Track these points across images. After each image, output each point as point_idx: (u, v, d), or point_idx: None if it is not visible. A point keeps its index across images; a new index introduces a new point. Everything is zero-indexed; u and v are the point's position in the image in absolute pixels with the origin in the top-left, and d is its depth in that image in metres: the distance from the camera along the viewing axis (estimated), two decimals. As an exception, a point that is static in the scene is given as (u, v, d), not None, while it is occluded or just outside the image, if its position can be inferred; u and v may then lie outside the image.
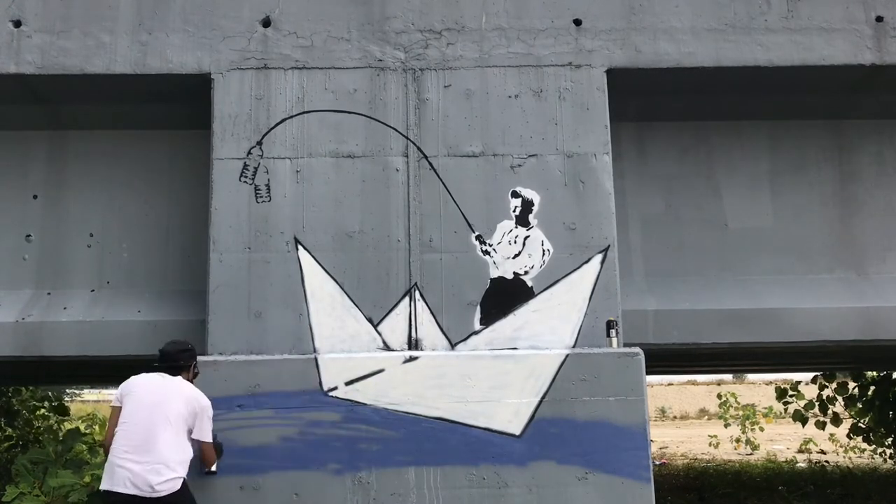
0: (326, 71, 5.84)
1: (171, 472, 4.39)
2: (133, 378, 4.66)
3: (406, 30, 5.91)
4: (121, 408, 4.56)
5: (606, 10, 5.98)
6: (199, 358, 5.37)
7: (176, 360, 4.71)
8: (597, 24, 5.95)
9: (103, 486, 4.40)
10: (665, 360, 8.32)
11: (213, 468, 5.02)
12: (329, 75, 5.83)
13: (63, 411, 13.43)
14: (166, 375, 4.66)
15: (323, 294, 5.55)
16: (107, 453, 4.54)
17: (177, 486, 4.42)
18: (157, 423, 4.43)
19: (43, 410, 13.38)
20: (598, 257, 5.64)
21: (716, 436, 17.92)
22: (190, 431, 4.56)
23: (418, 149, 5.76)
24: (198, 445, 4.64)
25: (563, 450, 5.26)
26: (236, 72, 5.83)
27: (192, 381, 4.77)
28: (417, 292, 5.58)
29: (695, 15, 6.01)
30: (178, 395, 4.54)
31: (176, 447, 4.46)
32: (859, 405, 12.13)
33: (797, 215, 6.43)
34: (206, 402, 4.63)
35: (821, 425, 12.72)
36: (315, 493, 5.20)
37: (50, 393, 13.71)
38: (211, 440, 4.68)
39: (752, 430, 17.57)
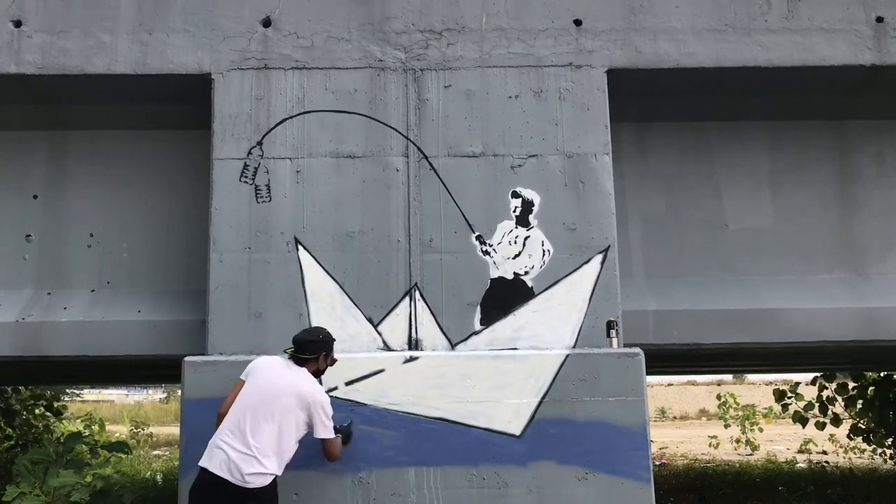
0: (327, 71, 5.84)
1: (262, 466, 4.37)
2: (264, 358, 4.71)
3: (406, 30, 5.91)
4: (243, 382, 4.58)
5: (606, 10, 5.98)
6: (199, 358, 5.39)
7: (300, 349, 4.67)
8: (597, 24, 5.96)
9: (202, 461, 4.41)
10: (665, 360, 8.33)
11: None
12: (329, 75, 5.83)
13: (56, 411, 13.43)
14: (292, 364, 4.65)
15: (323, 294, 5.55)
16: (218, 419, 4.57)
17: (266, 481, 4.39)
18: (262, 413, 4.41)
19: (41, 410, 13.38)
20: (599, 258, 5.64)
21: (716, 436, 17.92)
22: (308, 427, 4.54)
23: (418, 149, 5.76)
24: (320, 443, 4.63)
25: (563, 450, 5.26)
26: (236, 72, 5.83)
27: (323, 371, 4.75)
28: (417, 292, 5.59)
29: (695, 15, 6.02)
30: (292, 389, 4.50)
31: (276, 442, 4.43)
32: (859, 406, 12.13)
33: (797, 215, 6.44)
34: (323, 398, 4.57)
35: (821, 426, 12.72)
36: (315, 493, 5.20)
37: (48, 392, 13.70)
38: (330, 437, 4.62)
39: (751, 430, 17.57)
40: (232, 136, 5.74)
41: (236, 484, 4.31)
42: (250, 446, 4.36)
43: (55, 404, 13.61)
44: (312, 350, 4.70)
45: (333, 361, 4.84)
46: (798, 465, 13.62)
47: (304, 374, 4.64)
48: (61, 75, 5.87)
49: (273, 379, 4.55)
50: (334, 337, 4.87)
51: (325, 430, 4.58)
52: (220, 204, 5.66)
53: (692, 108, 6.37)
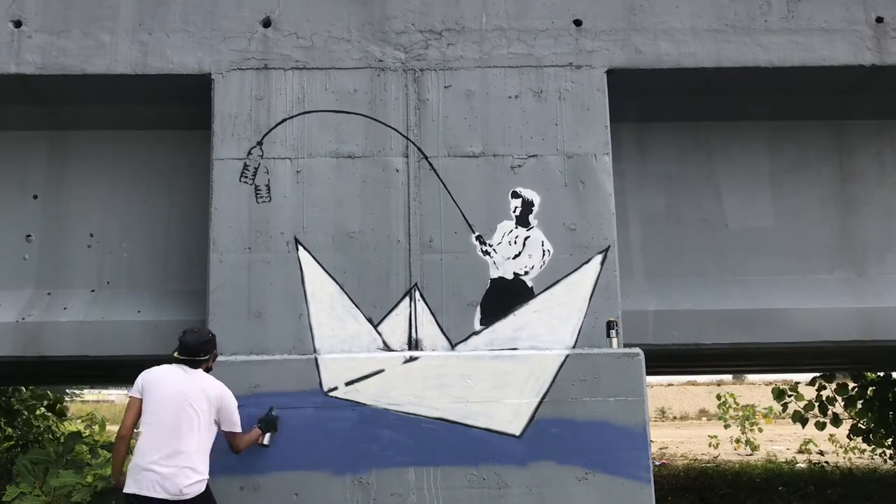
0: (327, 71, 5.84)
1: (197, 474, 4.36)
2: (154, 370, 4.58)
3: (406, 30, 5.91)
4: (140, 400, 4.47)
5: (606, 10, 5.98)
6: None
7: (196, 352, 4.62)
8: (597, 24, 5.96)
9: (128, 489, 4.32)
10: (665, 360, 8.33)
11: (266, 441, 5.02)
12: (329, 75, 5.83)
13: (58, 412, 13.42)
14: (187, 368, 4.59)
15: (323, 294, 5.55)
16: (121, 442, 4.50)
17: (202, 488, 4.40)
18: (182, 423, 4.37)
19: (42, 410, 13.38)
20: (599, 258, 5.64)
21: (715, 436, 17.91)
22: (217, 425, 4.53)
23: (418, 149, 5.76)
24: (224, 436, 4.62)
25: (563, 450, 5.26)
26: (236, 72, 5.83)
27: (210, 369, 4.72)
28: (417, 292, 5.59)
29: (695, 15, 6.02)
30: (200, 392, 4.47)
31: (201, 448, 4.43)
32: (859, 406, 12.12)
33: (797, 215, 6.44)
34: (229, 394, 4.59)
35: (820, 426, 12.71)
36: (315, 493, 5.20)
37: (49, 393, 13.71)
38: (239, 430, 4.64)
39: (751, 430, 17.57)
40: (232, 136, 5.74)
41: (173, 500, 4.28)
42: (180, 459, 4.32)
43: (57, 405, 13.60)
44: (206, 351, 4.68)
45: (216, 356, 4.82)
46: (798, 465, 13.62)
47: (203, 375, 4.61)
48: (61, 75, 5.87)
49: (180, 387, 4.46)
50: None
51: (234, 426, 4.60)
52: (220, 204, 5.66)
53: (692, 108, 6.37)
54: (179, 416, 4.39)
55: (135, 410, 4.48)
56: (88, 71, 5.86)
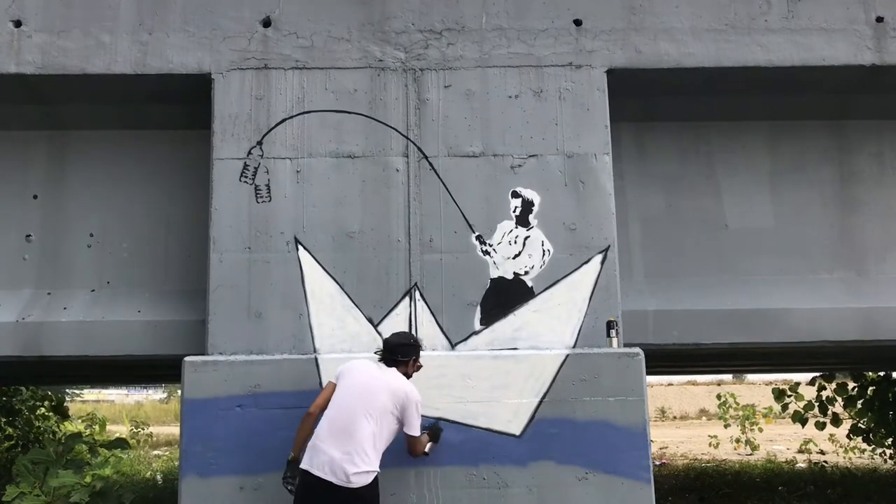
0: (327, 71, 5.84)
1: (365, 464, 4.42)
2: (353, 361, 4.80)
3: (406, 30, 5.91)
4: (334, 385, 4.68)
5: (606, 10, 5.98)
6: (199, 358, 5.39)
7: (393, 352, 4.77)
8: (597, 24, 5.96)
9: (303, 464, 4.48)
10: (665, 360, 8.33)
11: (427, 450, 4.98)
12: (329, 75, 5.83)
13: (62, 412, 13.42)
14: (382, 365, 4.74)
15: (323, 294, 5.55)
16: (308, 419, 4.66)
17: (369, 479, 4.45)
18: (359, 412, 4.48)
19: (43, 410, 13.38)
20: (598, 257, 5.64)
21: (716, 436, 17.91)
22: (399, 424, 4.61)
23: (418, 149, 5.76)
24: (403, 437, 4.70)
25: (563, 450, 5.26)
26: (236, 72, 5.83)
27: (410, 376, 4.81)
28: (417, 292, 5.58)
29: (695, 15, 6.02)
30: (384, 386, 4.58)
31: (374, 440, 4.49)
32: (859, 406, 12.12)
33: (797, 215, 6.43)
34: (415, 396, 4.65)
35: (820, 426, 12.71)
36: (315, 493, 5.19)
37: (50, 393, 13.70)
38: (417, 434, 4.71)
39: (751, 430, 17.56)
40: (232, 136, 5.74)
41: (340, 485, 4.36)
42: (352, 446, 4.42)
43: (59, 405, 13.59)
44: (404, 353, 4.80)
45: (419, 367, 4.93)
46: (798, 465, 13.62)
47: (395, 374, 4.72)
48: (61, 75, 5.87)
49: (368, 379, 4.63)
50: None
51: (414, 428, 4.67)
52: (220, 204, 5.66)
53: (692, 108, 6.37)
54: (357, 405, 4.51)
55: (327, 393, 4.68)
56: (88, 71, 5.86)
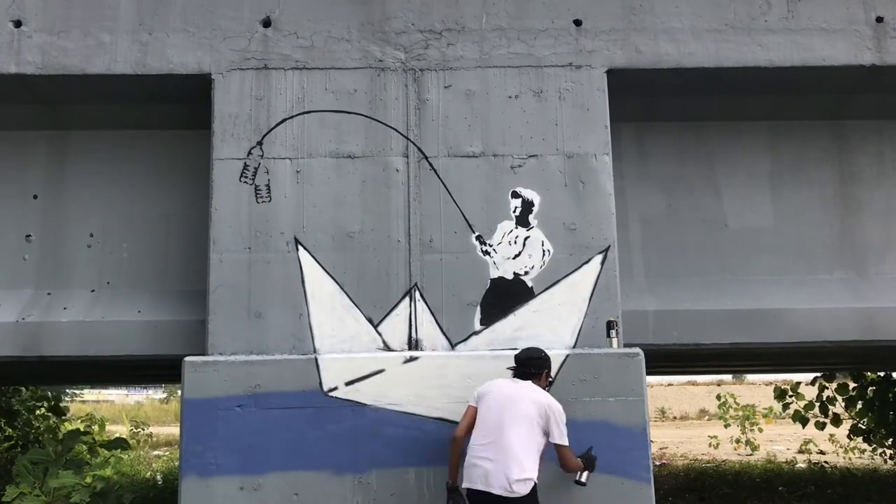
0: (327, 71, 5.84)
1: (524, 472, 4.43)
2: (490, 382, 4.85)
3: (406, 30, 5.91)
4: (475, 408, 4.74)
5: (606, 10, 5.98)
6: (199, 358, 5.39)
7: (526, 366, 4.84)
8: (597, 24, 5.96)
9: (465, 483, 4.55)
10: (665, 360, 8.32)
11: (583, 479, 4.91)
12: (329, 75, 5.83)
13: (59, 412, 13.42)
14: (517, 380, 4.80)
15: (323, 294, 5.55)
16: (454, 443, 4.73)
17: (529, 487, 4.45)
18: (506, 421, 4.54)
19: (42, 410, 13.38)
20: (599, 258, 5.64)
21: (716, 436, 17.91)
22: (545, 435, 4.62)
23: (418, 149, 5.76)
24: (554, 450, 4.70)
25: (563, 450, 5.25)
26: (237, 72, 5.83)
27: (545, 389, 4.86)
28: (417, 292, 5.58)
29: (695, 15, 6.02)
30: (526, 398, 4.64)
31: (526, 447, 4.52)
32: (859, 406, 12.12)
33: (797, 215, 6.44)
34: (556, 406, 4.69)
35: (821, 426, 12.71)
36: (315, 493, 5.20)
37: (49, 393, 13.70)
38: (566, 443, 4.69)
39: (751, 430, 17.56)
40: (232, 136, 5.74)
41: (502, 495, 4.37)
42: (507, 455, 4.44)
43: (60, 405, 13.59)
44: (537, 367, 4.86)
45: (551, 381, 5.00)
46: (798, 465, 13.62)
47: (532, 385, 4.78)
48: (61, 75, 5.87)
49: (509, 392, 4.70)
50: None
51: (562, 437, 4.66)
52: (220, 204, 5.66)
53: (692, 108, 6.37)
54: (504, 416, 4.56)
55: (470, 417, 4.75)
56: (88, 71, 5.86)
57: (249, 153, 5.72)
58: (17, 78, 5.88)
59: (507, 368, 4.93)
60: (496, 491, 4.38)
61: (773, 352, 6.96)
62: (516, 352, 5.04)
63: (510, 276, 5.62)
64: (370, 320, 5.54)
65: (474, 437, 4.63)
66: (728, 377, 30.09)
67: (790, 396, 12.98)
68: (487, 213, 5.68)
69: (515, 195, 5.73)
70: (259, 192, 5.68)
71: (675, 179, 6.45)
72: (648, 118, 6.41)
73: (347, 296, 5.56)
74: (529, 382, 4.80)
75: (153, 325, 5.95)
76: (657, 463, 13.49)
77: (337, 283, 5.57)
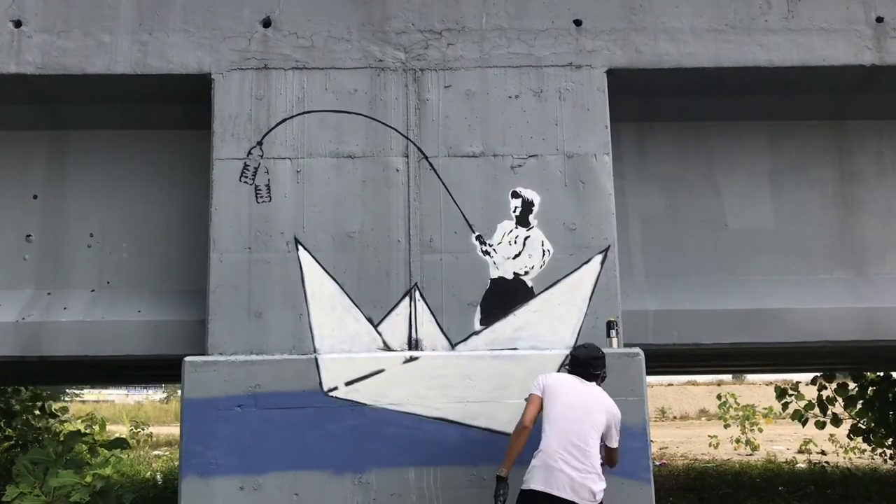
0: (327, 71, 5.84)
1: (602, 482, 4.41)
2: (555, 374, 4.75)
3: (406, 30, 5.91)
4: (541, 398, 4.56)
5: (606, 10, 5.98)
6: (199, 358, 5.39)
7: (589, 366, 4.72)
8: (597, 24, 5.96)
9: (535, 485, 4.33)
10: (665, 360, 8.32)
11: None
12: (329, 75, 5.83)
13: (51, 414, 13.40)
14: (583, 380, 4.67)
15: (323, 294, 5.55)
16: (523, 433, 4.50)
17: (603, 495, 4.43)
18: (588, 429, 4.45)
19: (41, 411, 13.38)
20: (599, 258, 5.64)
21: (716, 436, 17.91)
22: (603, 436, 4.59)
23: (418, 149, 5.76)
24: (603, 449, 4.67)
25: (563, 450, 5.25)
26: (237, 72, 5.83)
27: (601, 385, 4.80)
28: (417, 292, 5.58)
29: (695, 15, 6.02)
30: (599, 404, 4.58)
31: (598, 456, 4.49)
32: (859, 406, 12.12)
33: (797, 215, 6.43)
34: (618, 412, 4.66)
35: (821, 426, 12.71)
36: (315, 493, 5.20)
37: (44, 393, 13.68)
38: (617, 447, 4.69)
39: (751, 430, 17.57)
40: (232, 136, 5.74)
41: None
42: (589, 463, 4.37)
43: (54, 407, 13.58)
44: (598, 366, 4.77)
45: (604, 378, 4.88)
46: (798, 465, 13.62)
47: (600, 389, 4.70)
48: (61, 75, 5.87)
49: (584, 395, 4.57)
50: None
51: (617, 441, 4.67)
52: (220, 204, 5.66)
53: (692, 108, 6.37)
54: (584, 421, 4.46)
55: (537, 406, 4.56)
56: (88, 71, 5.86)
57: (249, 153, 5.72)
58: (17, 78, 5.88)
59: (565, 366, 4.80)
60: (579, 500, 4.27)
61: (773, 352, 6.96)
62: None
63: (510, 276, 5.62)
64: (370, 320, 5.54)
65: (551, 437, 4.41)
66: (728, 377, 30.10)
67: (790, 395, 12.99)
68: (487, 213, 5.68)
69: (515, 195, 5.73)
70: (259, 192, 5.68)
71: (675, 179, 6.45)
72: (648, 118, 6.41)
73: (347, 296, 5.56)
74: (595, 385, 4.69)
75: (153, 325, 5.95)
76: (657, 463, 13.49)
77: (337, 283, 5.57)
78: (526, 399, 4.70)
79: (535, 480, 4.34)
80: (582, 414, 4.49)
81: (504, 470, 4.50)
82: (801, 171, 6.49)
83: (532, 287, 5.60)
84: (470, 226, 5.68)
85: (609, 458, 4.75)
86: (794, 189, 6.47)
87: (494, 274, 5.62)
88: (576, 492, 4.28)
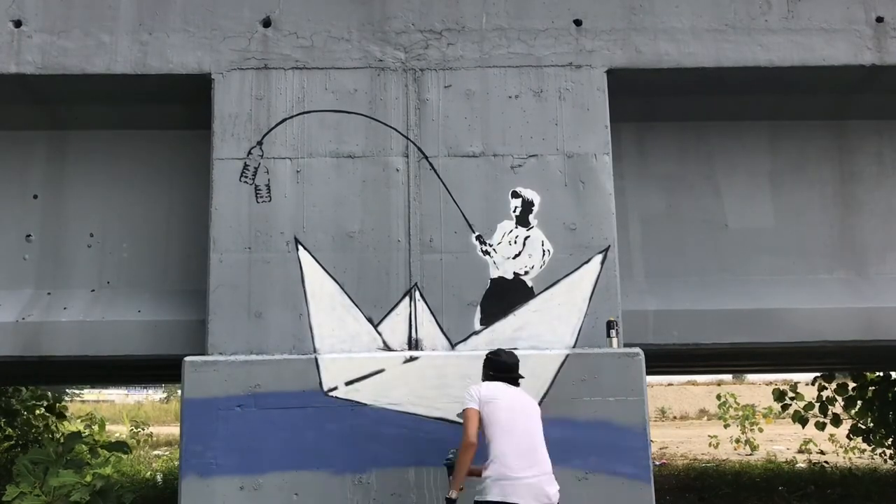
0: (327, 71, 5.84)
1: (556, 484, 4.40)
2: (485, 384, 4.61)
3: (406, 30, 5.91)
4: (478, 410, 4.45)
5: (606, 10, 5.98)
6: (199, 358, 5.39)
7: (514, 370, 4.70)
8: (597, 24, 5.96)
9: (493, 496, 4.26)
10: (665, 360, 8.32)
11: (454, 496, 4.69)
12: (329, 75, 5.83)
13: (58, 413, 13.40)
14: (511, 386, 4.63)
15: (323, 294, 5.55)
16: (471, 450, 4.40)
17: (558, 497, 4.40)
18: (536, 432, 4.45)
19: (41, 410, 13.38)
20: (599, 257, 5.64)
21: (716, 436, 17.91)
22: None
23: (418, 149, 5.76)
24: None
25: (563, 450, 5.24)
26: (237, 72, 5.83)
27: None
28: (417, 292, 5.58)
29: (695, 15, 6.02)
30: (535, 408, 4.58)
31: (548, 458, 4.46)
32: (859, 406, 12.12)
33: (797, 215, 6.44)
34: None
35: (821, 426, 12.71)
36: (315, 493, 5.20)
37: (49, 393, 13.70)
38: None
39: (751, 430, 17.57)
40: (232, 136, 5.74)
41: None
42: (543, 467, 4.38)
43: (57, 405, 13.59)
44: (518, 369, 4.75)
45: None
46: (798, 465, 13.61)
47: (524, 391, 4.69)
48: (61, 75, 5.87)
49: (518, 400, 4.55)
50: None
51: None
52: (220, 204, 5.66)
53: (692, 108, 6.37)
54: (531, 426, 4.46)
55: (477, 419, 4.46)
56: (88, 71, 5.86)
57: (249, 153, 5.73)
58: (17, 78, 5.88)
59: (490, 373, 4.65)
60: None
61: (773, 352, 6.96)
62: (498, 355, 4.72)
63: (510, 276, 5.62)
64: (370, 320, 5.54)
65: (502, 445, 4.34)
66: (728, 377, 30.10)
67: (790, 398, 12.98)
68: (487, 213, 5.68)
69: (515, 195, 5.73)
70: (259, 191, 5.68)
71: (675, 179, 6.45)
72: (648, 118, 6.41)
73: (347, 296, 5.56)
74: (521, 389, 4.66)
75: (153, 325, 5.95)
76: (657, 463, 13.49)
77: (337, 282, 5.57)
78: (459, 415, 4.63)
79: (492, 492, 4.29)
80: (525, 418, 4.47)
81: (454, 492, 4.45)
82: (801, 171, 6.49)
83: (532, 287, 5.60)
84: (470, 226, 5.68)
85: None
86: (794, 189, 6.47)
87: (494, 274, 5.62)
88: (536, 497, 4.26)
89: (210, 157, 5.74)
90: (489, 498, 4.29)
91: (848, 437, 13.11)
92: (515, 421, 4.43)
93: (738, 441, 17.48)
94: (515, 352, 5.38)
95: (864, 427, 12.42)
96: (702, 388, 31.43)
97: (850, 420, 12.64)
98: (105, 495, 6.51)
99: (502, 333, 5.52)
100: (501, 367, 4.67)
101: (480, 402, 4.49)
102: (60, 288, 6.17)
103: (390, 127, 5.78)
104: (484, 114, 5.80)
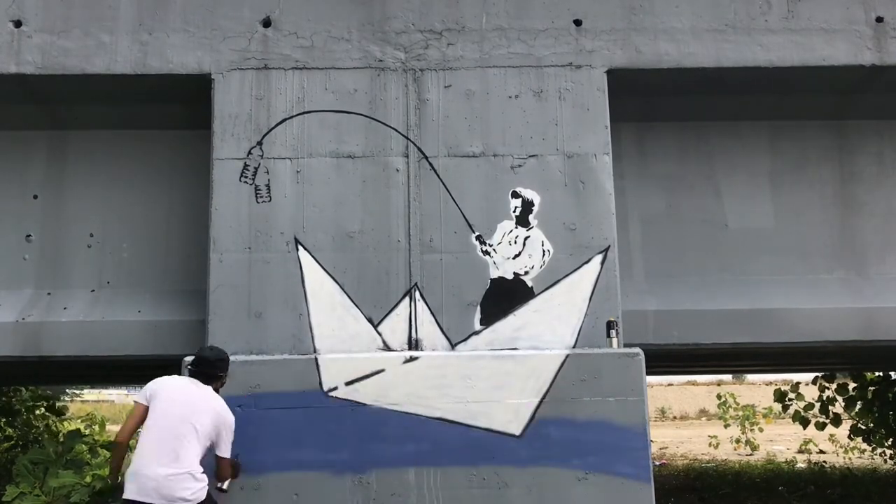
0: (327, 71, 5.84)
1: (197, 482, 4.33)
2: (164, 379, 4.57)
3: (406, 30, 5.91)
4: (146, 407, 4.44)
5: (607, 10, 5.98)
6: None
7: (213, 367, 4.66)
8: (597, 24, 5.96)
9: (128, 494, 4.26)
10: (665, 360, 8.33)
11: (225, 486, 4.83)
12: (329, 75, 5.83)
13: (58, 411, 13.41)
14: (198, 382, 4.59)
15: (323, 294, 5.55)
16: (120, 447, 4.49)
17: (203, 495, 4.37)
18: (185, 434, 4.34)
19: (42, 410, 13.39)
20: (599, 258, 5.64)
21: (716, 436, 17.92)
22: (211, 443, 4.49)
23: (418, 149, 5.76)
24: (214, 460, 4.56)
25: (563, 450, 5.26)
26: (237, 72, 5.83)
27: (218, 390, 4.70)
28: (417, 292, 5.58)
29: (695, 15, 6.02)
30: (207, 409, 4.46)
31: (198, 457, 4.39)
32: (859, 406, 12.12)
33: (797, 215, 6.44)
34: (231, 419, 4.57)
35: (821, 426, 12.71)
36: (315, 493, 5.20)
37: (49, 392, 13.70)
38: (229, 457, 4.61)
39: (751, 430, 17.57)
40: (232, 136, 5.74)
41: None
42: (181, 467, 4.28)
43: (56, 404, 13.60)
44: (222, 368, 4.72)
45: (223, 382, 4.79)
46: (798, 465, 13.62)
47: (212, 393, 4.60)
48: (61, 75, 5.87)
49: (186, 400, 4.46)
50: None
51: (227, 452, 4.56)
52: (220, 204, 5.66)
53: (692, 108, 6.37)
54: (181, 426, 4.36)
55: (138, 417, 4.46)
56: (88, 71, 5.86)
57: (249, 153, 5.72)
58: (17, 78, 5.88)
59: (188, 367, 4.64)
60: (165, 503, 4.20)
61: (774, 352, 6.96)
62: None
63: (510, 276, 5.62)
64: (370, 320, 5.54)
65: (144, 440, 4.32)
66: (728, 377, 30.11)
67: (790, 401, 12.99)
68: (487, 213, 5.68)
69: (515, 195, 5.73)
70: (259, 191, 5.68)
71: (675, 179, 6.45)
72: (648, 118, 6.41)
73: (347, 296, 5.56)
74: (210, 388, 4.58)
75: (153, 325, 5.96)
76: (657, 463, 13.49)
77: (337, 283, 5.57)
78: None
79: (129, 489, 4.27)
80: (181, 414, 4.37)
81: (110, 481, 4.49)
82: (801, 171, 6.50)
83: (532, 287, 5.60)
84: (470, 226, 5.68)
85: (220, 470, 4.60)
86: (794, 189, 6.47)
87: (494, 274, 5.62)
88: (163, 495, 4.19)
89: (210, 157, 5.74)
90: (125, 496, 4.27)
91: (848, 437, 13.11)
92: (168, 415, 4.36)
93: (738, 441, 17.49)
94: (516, 352, 5.42)
95: (864, 427, 12.42)
96: (702, 388, 31.43)
97: (850, 420, 12.64)
98: (105, 496, 6.51)
99: (502, 333, 5.52)
100: (202, 361, 4.67)
101: (150, 396, 4.46)
102: (60, 288, 6.17)
103: (390, 127, 5.78)
104: (484, 114, 5.80)
